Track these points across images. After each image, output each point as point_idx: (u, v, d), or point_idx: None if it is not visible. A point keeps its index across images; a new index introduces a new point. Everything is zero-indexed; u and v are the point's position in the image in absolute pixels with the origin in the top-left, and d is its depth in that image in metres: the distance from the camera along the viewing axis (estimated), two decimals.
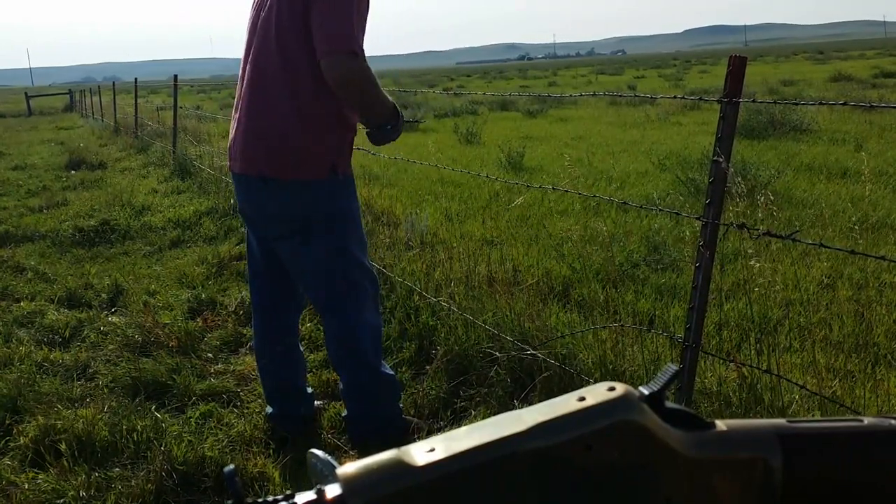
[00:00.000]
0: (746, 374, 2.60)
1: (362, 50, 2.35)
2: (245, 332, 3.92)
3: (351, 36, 2.31)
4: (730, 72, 2.31)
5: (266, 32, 2.44)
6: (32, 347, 3.77)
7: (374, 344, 2.66)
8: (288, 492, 0.42)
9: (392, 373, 2.77)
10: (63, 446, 2.65)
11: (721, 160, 2.30)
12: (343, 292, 2.59)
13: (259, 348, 2.81)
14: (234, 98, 2.69)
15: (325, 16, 2.31)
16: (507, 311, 3.33)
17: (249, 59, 2.51)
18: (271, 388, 2.84)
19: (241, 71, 2.60)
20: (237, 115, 2.56)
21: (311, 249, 2.53)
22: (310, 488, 0.41)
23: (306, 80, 2.40)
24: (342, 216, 2.54)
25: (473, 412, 2.87)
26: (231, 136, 2.60)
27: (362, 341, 2.62)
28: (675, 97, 2.99)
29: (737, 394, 2.59)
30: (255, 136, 2.47)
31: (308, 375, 3.25)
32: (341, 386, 2.74)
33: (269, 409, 2.88)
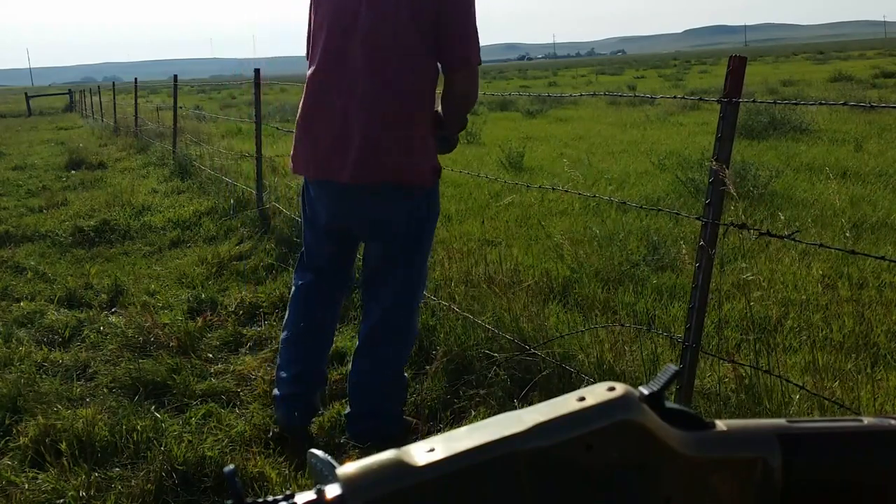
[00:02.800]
0: (746, 374, 2.60)
1: None
2: (245, 332, 3.92)
3: (479, 46, 2.48)
4: (730, 72, 2.31)
5: (382, 36, 2.40)
6: (32, 347, 3.77)
7: (410, 348, 2.80)
8: (288, 492, 0.42)
9: (407, 377, 2.81)
10: (63, 446, 2.65)
11: (716, 165, 2.30)
12: (414, 290, 2.68)
13: (299, 336, 2.75)
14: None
15: (464, 25, 2.41)
16: (506, 312, 3.33)
17: (352, 57, 2.44)
18: (297, 371, 2.74)
19: (324, 68, 2.50)
20: (336, 121, 2.47)
21: (410, 249, 2.61)
22: (310, 488, 0.41)
23: (431, 85, 2.49)
24: (434, 222, 2.65)
25: (473, 412, 2.87)
26: (325, 143, 2.51)
27: (407, 345, 2.73)
28: (674, 97, 3.00)
29: (736, 394, 2.59)
30: (383, 144, 2.44)
31: None
32: (352, 380, 2.72)
33: (277, 392, 2.79)
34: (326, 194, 2.58)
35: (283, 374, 2.77)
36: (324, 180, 2.55)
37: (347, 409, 2.76)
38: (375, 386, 2.68)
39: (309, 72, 2.58)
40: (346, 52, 2.46)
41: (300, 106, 2.60)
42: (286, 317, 2.83)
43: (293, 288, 2.83)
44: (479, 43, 2.48)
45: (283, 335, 2.82)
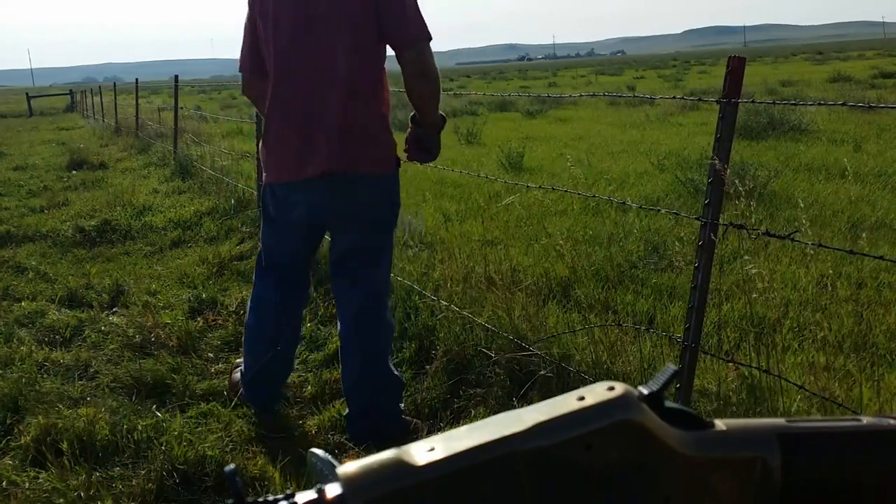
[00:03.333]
0: (745, 374, 2.60)
1: None
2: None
3: (425, 23, 2.42)
4: (729, 72, 2.31)
5: (329, 26, 2.41)
6: (33, 347, 3.77)
7: (391, 336, 2.82)
8: (288, 491, 0.42)
9: (399, 374, 2.81)
10: (64, 445, 2.65)
11: (716, 162, 2.30)
12: (387, 277, 2.71)
13: (265, 342, 2.79)
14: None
15: (400, 4, 2.38)
16: (505, 312, 3.33)
17: (307, 58, 2.45)
18: (265, 373, 2.83)
19: (284, 73, 2.50)
20: (304, 119, 2.48)
21: (383, 239, 2.65)
22: (310, 488, 0.41)
23: (382, 73, 2.49)
24: (398, 210, 2.67)
25: (473, 412, 2.87)
26: (296, 143, 2.50)
27: (388, 332, 2.75)
28: (674, 98, 2.99)
29: (736, 394, 2.59)
30: (350, 134, 2.45)
31: (308, 375, 3.26)
32: (348, 381, 2.73)
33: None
34: (302, 193, 2.57)
35: (251, 372, 2.87)
36: (300, 180, 2.55)
37: (346, 411, 2.77)
38: (367, 378, 2.69)
39: (270, 74, 2.55)
40: (301, 51, 2.46)
41: (265, 112, 2.59)
42: (247, 319, 2.89)
43: (253, 293, 2.86)
44: (421, 18, 2.40)
45: (247, 335, 2.89)
